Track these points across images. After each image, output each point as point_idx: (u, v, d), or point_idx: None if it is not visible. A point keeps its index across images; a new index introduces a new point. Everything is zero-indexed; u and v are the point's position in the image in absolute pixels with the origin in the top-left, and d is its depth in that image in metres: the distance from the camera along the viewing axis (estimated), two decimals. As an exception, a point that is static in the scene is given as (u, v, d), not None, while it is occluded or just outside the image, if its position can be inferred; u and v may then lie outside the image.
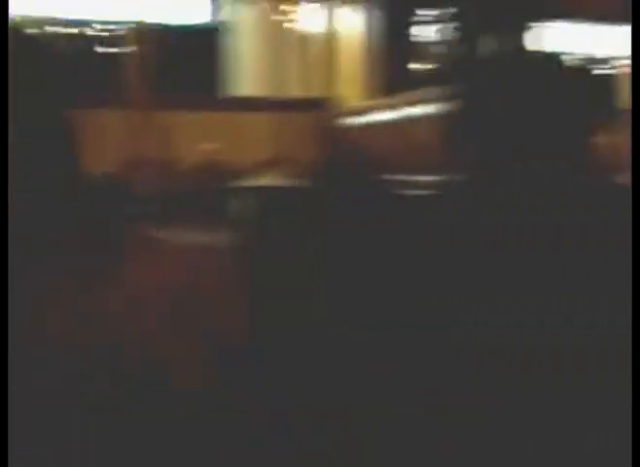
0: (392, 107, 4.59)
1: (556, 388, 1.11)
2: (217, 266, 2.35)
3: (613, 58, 8.57)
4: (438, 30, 5.61)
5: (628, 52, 8.68)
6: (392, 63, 5.41)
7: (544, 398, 1.13)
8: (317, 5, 6.61)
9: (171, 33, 7.79)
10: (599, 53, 8.56)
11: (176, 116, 6.54)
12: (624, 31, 7.98)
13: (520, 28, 4.90)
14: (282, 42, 7.37)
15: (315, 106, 6.38)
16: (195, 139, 6.36)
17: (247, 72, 7.46)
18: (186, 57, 7.68)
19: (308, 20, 6.93)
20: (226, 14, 7.84)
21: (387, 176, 3.96)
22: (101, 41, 7.71)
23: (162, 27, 7.70)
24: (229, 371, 1.15)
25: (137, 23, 7.55)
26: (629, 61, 8.27)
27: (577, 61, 8.46)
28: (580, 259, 1.18)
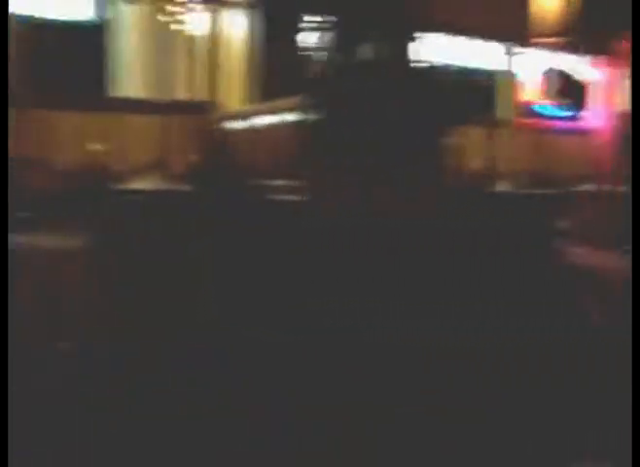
0: (271, 112, 4.65)
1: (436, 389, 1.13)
2: (82, 268, 2.34)
3: (489, 71, 8.91)
4: (319, 37, 5.71)
5: (504, 65, 9.09)
6: (273, 69, 5.47)
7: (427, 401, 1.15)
8: (203, 8, 6.60)
9: (53, 29, 7.59)
10: (474, 65, 8.90)
11: (55, 115, 6.40)
12: (499, 45, 8.33)
13: (396, 39, 5.05)
14: (167, 44, 7.32)
15: (198, 109, 6.38)
16: (76, 140, 6.23)
17: (131, 73, 7.36)
18: (68, 56, 7.50)
19: (194, 24, 6.91)
20: (110, 12, 7.71)
21: (263, 180, 4.00)
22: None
23: (43, 23, 7.50)
24: (89, 370, 1.15)
25: (14, 17, 7.34)
26: (505, 75, 8.65)
27: (451, 72, 8.76)
28: (441, 260, 1.23)
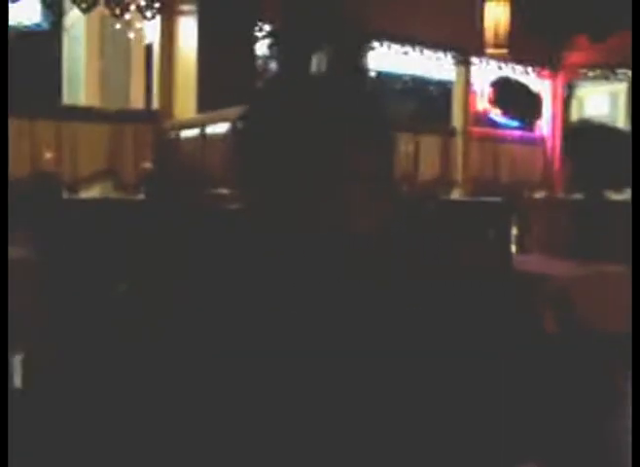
0: (221, 121, 4.63)
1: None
2: (29, 279, 2.29)
3: (442, 80, 8.98)
4: (268, 48, 5.71)
5: (457, 75, 9.19)
6: (225, 78, 5.45)
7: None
8: (157, 17, 6.54)
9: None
10: (428, 75, 8.98)
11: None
12: (453, 56, 8.42)
13: (344, 49, 5.07)
14: (120, 52, 7.24)
15: (149, 118, 6.31)
16: (26, 148, 6.13)
17: (83, 81, 7.27)
18: (18, 62, 7.37)
19: (148, 32, 6.85)
20: (63, 19, 7.61)
21: (213, 189, 3.99)
22: None
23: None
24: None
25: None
26: (459, 85, 8.75)
27: (404, 82, 8.83)
28: (389, 271, 1.23)
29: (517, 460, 1.10)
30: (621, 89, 9.44)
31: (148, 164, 5.88)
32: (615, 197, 8.79)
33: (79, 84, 7.49)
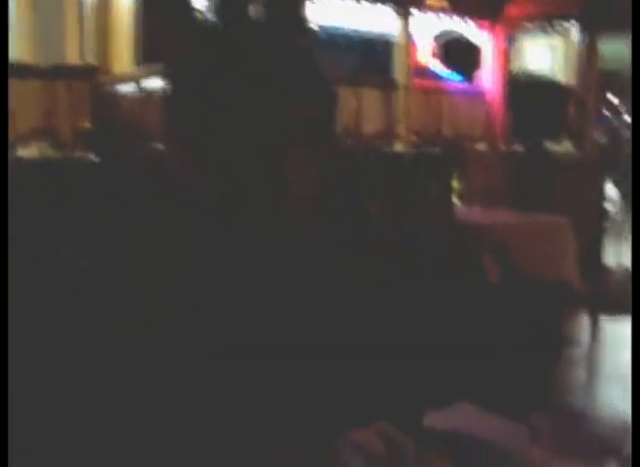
0: (156, 75, 4.54)
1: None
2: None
3: (384, 33, 8.93)
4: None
5: (399, 28, 9.16)
6: (160, 31, 5.33)
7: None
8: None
9: None
10: (369, 28, 8.92)
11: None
12: (394, 8, 8.37)
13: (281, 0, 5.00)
14: (53, 5, 7.02)
15: (85, 73, 6.16)
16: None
17: (15, 35, 7.04)
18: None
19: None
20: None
21: (151, 144, 3.93)
22: None
23: None
24: None
25: None
26: (400, 37, 8.72)
27: (345, 35, 8.76)
28: (337, 224, 1.23)
29: (453, 399, 1.13)
30: (559, 42, 9.53)
31: (86, 122, 5.76)
32: (554, 147, 8.94)
33: (14, 39, 7.26)
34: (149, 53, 5.24)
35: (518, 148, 8.57)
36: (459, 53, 9.25)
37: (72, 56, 6.91)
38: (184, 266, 1.17)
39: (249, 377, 1.12)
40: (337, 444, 1.01)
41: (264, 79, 1.20)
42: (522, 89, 9.19)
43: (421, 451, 0.99)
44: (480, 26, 9.28)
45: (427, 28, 9.03)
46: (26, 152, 5.63)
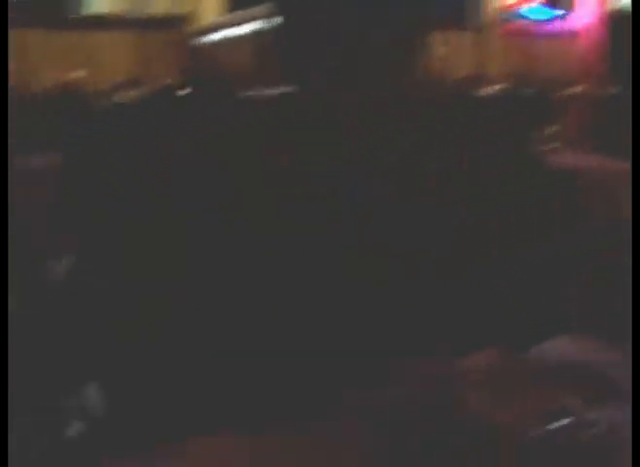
0: (246, 21, 4.53)
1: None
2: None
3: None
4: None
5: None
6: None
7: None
8: None
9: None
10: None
11: (24, 36, 6.21)
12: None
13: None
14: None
15: (172, 23, 6.21)
16: (49, 60, 6.08)
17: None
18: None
19: None
20: None
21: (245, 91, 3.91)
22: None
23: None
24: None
25: None
26: None
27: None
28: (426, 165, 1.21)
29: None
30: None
31: (176, 71, 5.82)
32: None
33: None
34: (237, 0, 5.23)
35: (616, 90, 8.23)
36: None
37: (162, 7, 6.97)
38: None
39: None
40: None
41: (356, 17, 1.23)
42: (622, 27, 8.78)
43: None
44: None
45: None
46: (120, 100, 5.74)
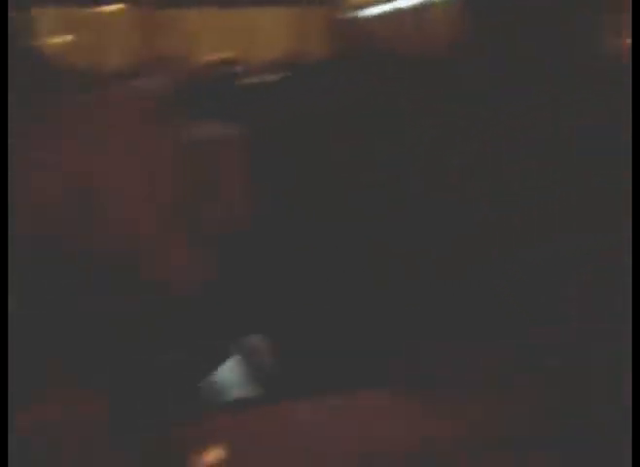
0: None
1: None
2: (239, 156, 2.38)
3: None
4: None
5: None
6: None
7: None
8: None
9: None
10: None
11: (184, 13, 6.41)
12: None
13: None
14: None
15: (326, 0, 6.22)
16: (207, 37, 6.25)
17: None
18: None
19: None
20: None
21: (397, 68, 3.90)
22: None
23: None
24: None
25: None
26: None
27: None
28: None
29: None
30: None
31: (330, 48, 5.84)
32: None
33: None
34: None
35: None
36: None
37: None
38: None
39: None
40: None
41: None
42: None
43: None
44: None
45: None
46: (272, 78, 5.83)
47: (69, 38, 6.32)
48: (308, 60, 5.98)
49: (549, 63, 1.34)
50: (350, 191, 1.37)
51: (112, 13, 6.45)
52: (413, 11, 4.71)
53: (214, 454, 1.09)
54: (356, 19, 5.91)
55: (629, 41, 1.33)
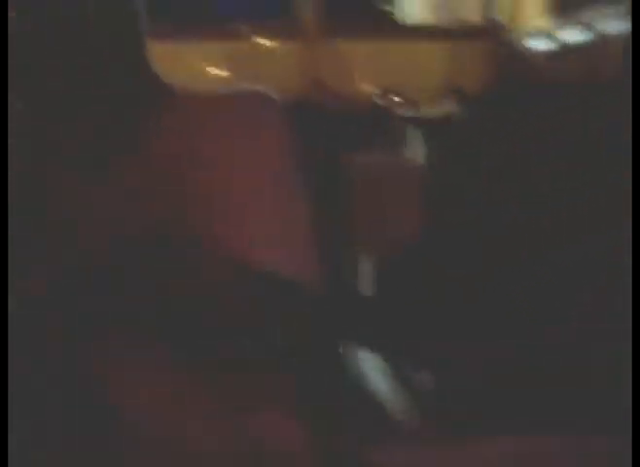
0: (572, 27, 4.29)
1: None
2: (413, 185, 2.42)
3: None
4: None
5: None
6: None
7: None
8: None
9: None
10: None
11: (346, 44, 6.49)
12: None
13: None
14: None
15: (487, 31, 6.13)
16: (368, 68, 6.30)
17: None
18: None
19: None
20: None
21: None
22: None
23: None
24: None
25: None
26: None
27: None
28: None
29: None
30: None
31: (492, 79, 5.74)
32: None
33: (417, 1, 7.47)
34: (562, 3, 5.01)
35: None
36: None
37: (473, 14, 6.92)
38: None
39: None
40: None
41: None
42: None
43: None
44: None
45: None
46: (434, 111, 5.79)
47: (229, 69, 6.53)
48: (470, 92, 5.89)
49: None
50: (522, 222, 1.35)
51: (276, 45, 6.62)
52: (575, 44, 4.52)
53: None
54: (518, 51, 5.76)
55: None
